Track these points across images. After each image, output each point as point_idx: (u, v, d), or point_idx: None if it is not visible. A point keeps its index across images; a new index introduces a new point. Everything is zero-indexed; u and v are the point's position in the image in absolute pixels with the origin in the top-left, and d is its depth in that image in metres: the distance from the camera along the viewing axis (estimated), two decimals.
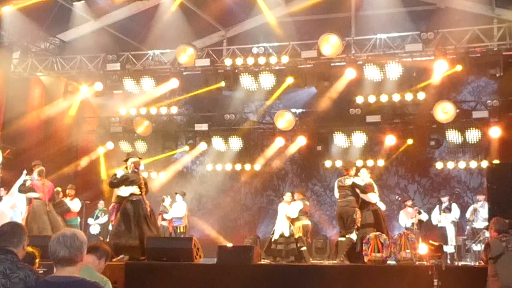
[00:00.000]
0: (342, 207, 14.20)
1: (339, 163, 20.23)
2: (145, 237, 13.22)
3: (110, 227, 15.88)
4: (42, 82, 20.49)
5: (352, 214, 13.93)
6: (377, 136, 19.70)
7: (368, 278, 11.59)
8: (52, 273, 4.55)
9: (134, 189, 13.47)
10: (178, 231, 18.85)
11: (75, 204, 17.64)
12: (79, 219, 17.92)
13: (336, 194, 14.54)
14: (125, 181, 13.51)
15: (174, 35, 19.11)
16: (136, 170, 13.82)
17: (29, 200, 15.41)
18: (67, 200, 17.47)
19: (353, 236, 13.81)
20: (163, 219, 18.68)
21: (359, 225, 13.97)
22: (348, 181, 14.27)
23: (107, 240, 14.67)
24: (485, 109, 18.44)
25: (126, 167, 13.99)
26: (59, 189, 17.00)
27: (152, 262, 12.68)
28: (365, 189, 14.27)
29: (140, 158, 14.52)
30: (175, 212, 18.89)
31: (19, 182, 15.70)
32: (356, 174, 14.61)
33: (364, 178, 14.50)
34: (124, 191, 13.59)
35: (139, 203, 13.55)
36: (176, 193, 19.26)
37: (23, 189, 15.26)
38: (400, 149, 19.81)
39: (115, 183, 13.57)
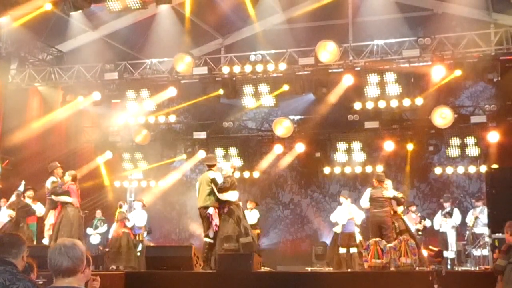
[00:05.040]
0: (381, 217, 14.43)
1: (338, 170, 20.24)
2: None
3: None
4: (40, 92, 20.49)
5: (391, 223, 14.30)
6: (376, 142, 19.71)
7: (368, 284, 11.59)
8: (51, 283, 4.53)
9: (237, 194, 13.91)
10: (137, 238, 18.87)
11: (39, 208, 16.20)
12: (36, 225, 16.36)
13: (366, 203, 14.78)
14: (233, 185, 13.82)
15: (172, 44, 19.14)
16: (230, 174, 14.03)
17: (55, 205, 14.50)
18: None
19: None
20: (125, 226, 18.40)
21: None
22: (388, 193, 14.59)
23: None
24: (483, 114, 18.46)
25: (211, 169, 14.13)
26: (21, 190, 16.09)
27: (152, 271, 12.68)
28: (401, 201, 14.67)
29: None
30: (136, 221, 18.86)
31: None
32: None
33: (390, 189, 14.81)
34: (232, 195, 13.79)
35: (239, 206, 14.05)
36: (133, 201, 19.19)
37: (58, 192, 14.31)
38: (406, 158, 19.87)
39: (228, 188, 13.73)
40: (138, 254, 18.55)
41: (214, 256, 13.40)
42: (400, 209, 14.75)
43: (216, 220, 13.62)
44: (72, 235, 13.94)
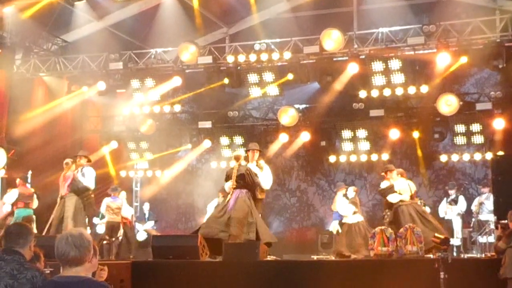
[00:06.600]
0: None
1: (343, 158, 20.26)
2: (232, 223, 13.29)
3: None
4: (45, 82, 20.48)
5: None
6: (381, 130, 19.69)
7: (374, 272, 11.60)
8: (59, 273, 4.56)
9: (230, 183, 13.71)
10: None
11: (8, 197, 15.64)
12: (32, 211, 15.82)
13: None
14: (226, 176, 13.98)
15: (176, 33, 19.12)
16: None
17: None
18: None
19: None
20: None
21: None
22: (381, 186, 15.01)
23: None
24: (488, 101, 18.44)
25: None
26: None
27: (158, 260, 12.71)
28: (384, 193, 14.73)
29: (248, 151, 14.69)
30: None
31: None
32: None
33: (395, 179, 14.78)
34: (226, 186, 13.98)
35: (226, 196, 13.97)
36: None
37: None
38: (414, 145, 19.93)
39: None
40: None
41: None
42: (393, 200, 14.52)
43: None
44: (52, 224, 14.13)
